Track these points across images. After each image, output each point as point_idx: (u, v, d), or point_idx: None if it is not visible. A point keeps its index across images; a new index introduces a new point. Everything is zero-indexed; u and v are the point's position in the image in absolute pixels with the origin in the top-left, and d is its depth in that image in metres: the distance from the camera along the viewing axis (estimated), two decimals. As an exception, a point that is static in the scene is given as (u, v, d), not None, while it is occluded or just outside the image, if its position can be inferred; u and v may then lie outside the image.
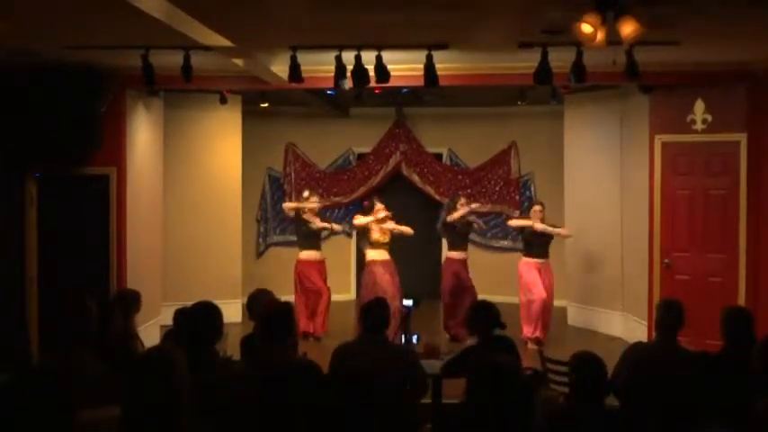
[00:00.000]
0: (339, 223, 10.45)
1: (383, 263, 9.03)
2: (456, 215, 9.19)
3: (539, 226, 9.17)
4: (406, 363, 5.00)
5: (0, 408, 2.47)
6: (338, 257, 9.75)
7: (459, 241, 9.39)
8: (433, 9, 5.37)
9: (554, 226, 9.34)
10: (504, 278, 10.64)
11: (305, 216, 9.50)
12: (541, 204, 9.42)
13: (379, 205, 9.13)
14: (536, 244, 9.25)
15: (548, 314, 9.19)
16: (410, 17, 5.63)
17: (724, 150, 8.15)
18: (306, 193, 9.85)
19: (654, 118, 8.65)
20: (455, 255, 9.38)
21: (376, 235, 9.08)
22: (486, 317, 5.48)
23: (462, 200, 9.44)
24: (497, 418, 3.36)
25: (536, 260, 9.24)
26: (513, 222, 9.87)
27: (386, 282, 8.87)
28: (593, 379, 3.79)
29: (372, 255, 9.09)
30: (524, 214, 10.56)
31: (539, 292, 9.06)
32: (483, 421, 3.36)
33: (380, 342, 5.00)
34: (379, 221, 9.08)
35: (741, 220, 8.04)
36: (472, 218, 9.40)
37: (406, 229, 9.23)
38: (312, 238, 9.50)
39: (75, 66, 7.44)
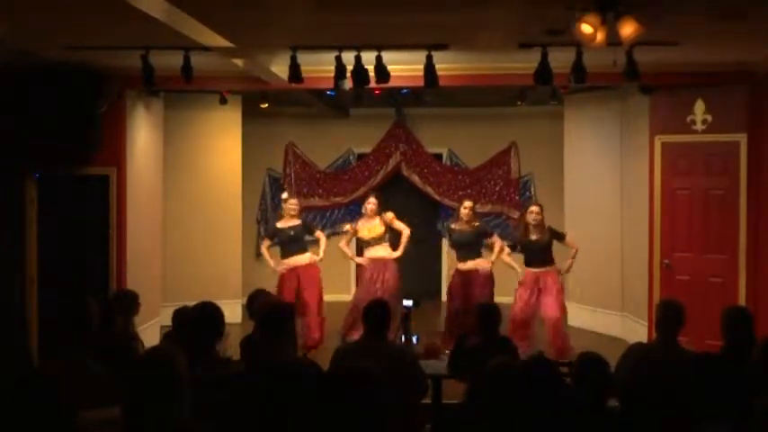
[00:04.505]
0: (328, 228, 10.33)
1: (375, 262, 8.97)
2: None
3: (513, 265, 8.68)
4: (406, 363, 5.00)
5: (1, 409, 2.47)
6: (337, 257, 9.74)
7: (463, 253, 8.96)
8: (434, 9, 5.37)
9: (560, 235, 8.71)
10: (503, 280, 10.56)
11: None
12: (539, 206, 8.59)
13: (372, 200, 9.03)
14: (534, 250, 8.58)
15: (557, 331, 8.29)
16: (410, 17, 5.63)
17: (724, 151, 8.15)
18: (284, 195, 9.46)
19: (654, 118, 8.65)
20: (460, 266, 8.92)
21: (362, 233, 9.03)
22: (489, 319, 5.52)
23: (466, 202, 9.10)
24: (496, 419, 3.36)
25: (536, 270, 8.53)
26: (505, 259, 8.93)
27: (363, 290, 8.79)
28: (597, 380, 3.78)
29: (368, 254, 9.07)
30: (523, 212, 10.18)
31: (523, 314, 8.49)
32: (483, 422, 3.36)
33: (381, 343, 5.00)
34: (355, 230, 9.05)
35: (741, 220, 8.04)
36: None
37: (403, 228, 9.06)
38: (292, 243, 8.94)
39: (75, 66, 7.44)
